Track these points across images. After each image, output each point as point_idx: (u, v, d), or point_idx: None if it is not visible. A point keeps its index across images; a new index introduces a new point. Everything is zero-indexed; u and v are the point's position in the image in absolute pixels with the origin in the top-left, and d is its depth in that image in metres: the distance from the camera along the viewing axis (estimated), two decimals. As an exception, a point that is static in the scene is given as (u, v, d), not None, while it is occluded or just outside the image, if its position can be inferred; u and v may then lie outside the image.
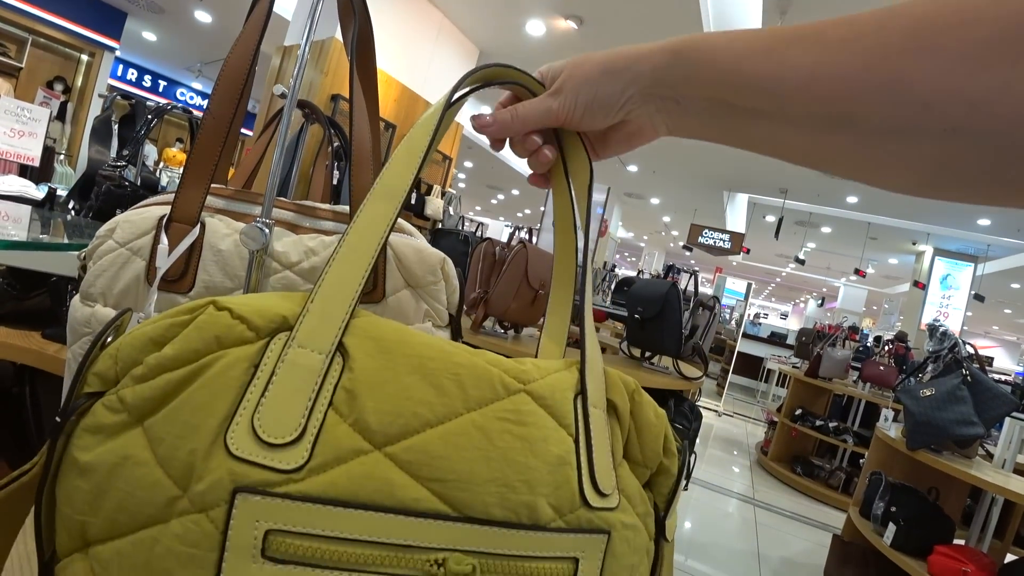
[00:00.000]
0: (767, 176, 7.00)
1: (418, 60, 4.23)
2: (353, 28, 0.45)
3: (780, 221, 7.79)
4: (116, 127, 1.18)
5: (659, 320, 2.15)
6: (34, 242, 0.52)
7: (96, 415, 0.23)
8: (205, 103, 1.07)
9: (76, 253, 0.48)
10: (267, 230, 0.40)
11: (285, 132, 0.41)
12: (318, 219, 0.46)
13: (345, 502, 0.21)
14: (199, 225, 0.41)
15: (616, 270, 6.26)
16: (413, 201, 3.53)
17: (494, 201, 13.73)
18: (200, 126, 0.41)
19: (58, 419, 0.22)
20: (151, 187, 0.99)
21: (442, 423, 0.24)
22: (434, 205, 3.52)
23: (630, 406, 0.31)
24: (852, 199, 7.39)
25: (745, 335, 8.02)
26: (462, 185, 9.17)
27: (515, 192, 11.49)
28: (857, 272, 9.12)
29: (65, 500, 0.22)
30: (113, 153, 1.08)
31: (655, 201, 10.25)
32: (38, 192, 2.99)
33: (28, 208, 1.19)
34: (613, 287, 2.93)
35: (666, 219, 11.80)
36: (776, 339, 9.62)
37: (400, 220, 0.50)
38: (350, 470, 0.22)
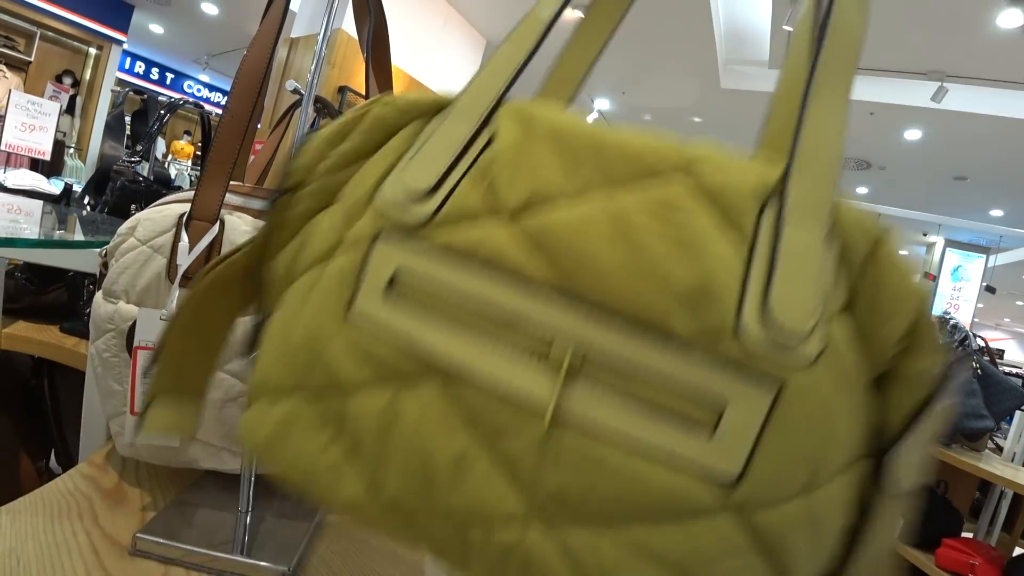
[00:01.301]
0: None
1: (425, 50, 4.21)
2: (369, 26, 0.46)
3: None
4: (128, 122, 1.19)
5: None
6: (60, 240, 0.53)
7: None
8: (213, 95, 1.08)
9: (97, 250, 0.49)
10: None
11: (303, 129, 0.41)
12: (334, 216, 0.47)
13: (462, 257, 0.22)
14: (218, 222, 0.42)
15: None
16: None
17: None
18: (219, 124, 0.42)
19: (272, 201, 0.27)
20: (164, 181, 1.00)
21: (573, 203, 0.22)
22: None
23: (867, 252, 0.21)
24: (862, 190, 7.33)
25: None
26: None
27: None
28: (866, 264, 9.02)
29: (279, 261, 0.27)
30: (124, 148, 1.08)
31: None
32: (50, 186, 3.02)
33: (40, 203, 1.20)
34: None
35: (673, 211, 11.74)
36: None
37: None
38: (471, 230, 0.23)
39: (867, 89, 4.54)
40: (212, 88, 8.70)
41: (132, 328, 0.42)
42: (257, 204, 0.46)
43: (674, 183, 0.22)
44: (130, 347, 0.42)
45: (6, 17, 5.89)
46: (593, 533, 0.20)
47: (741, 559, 0.19)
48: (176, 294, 0.41)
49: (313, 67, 0.42)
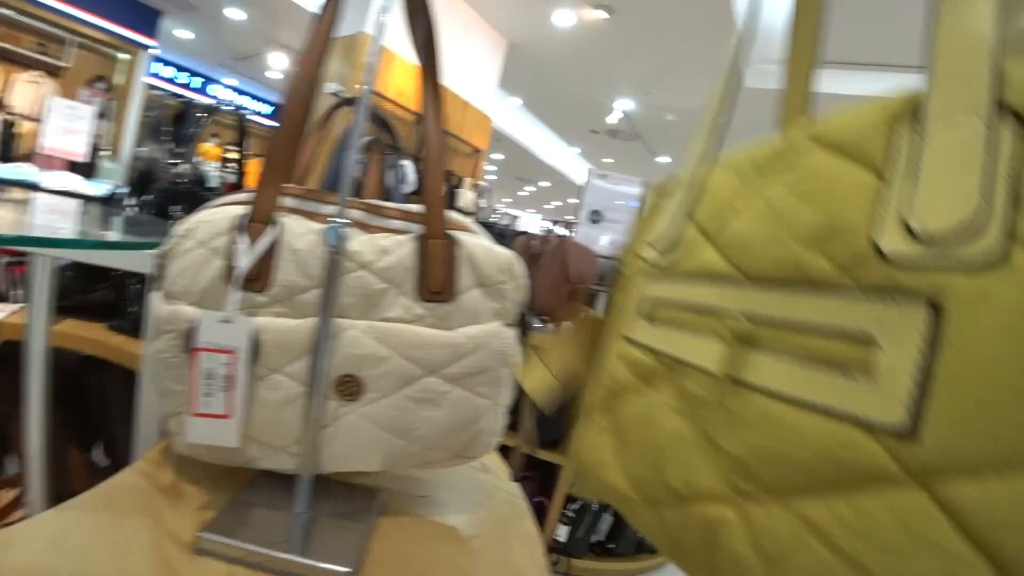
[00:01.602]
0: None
1: (447, 53, 4.23)
2: (421, 28, 0.45)
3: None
4: (153, 124, 1.21)
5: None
6: (121, 242, 0.54)
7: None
8: (239, 98, 1.10)
9: (151, 252, 0.50)
10: (346, 230, 0.40)
11: (357, 134, 0.41)
12: (387, 218, 0.47)
13: (692, 277, 0.29)
14: (276, 224, 0.42)
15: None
16: (444, 192, 3.55)
17: (523, 193, 13.68)
18: (276, 128, 0.42)
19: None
20: (200, 182, 1.02)
21: (743, 211, 0.27)
22: (466, 197, 3.54)
23: None
24: None
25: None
26: (492, 177, 9.20)
27: (545, 184, 11.44)
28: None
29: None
30: (165, 150, 1.10)
31: (685, 192, 10.06)
32: (88, 187, 3.10)
33: (76, 203, 1.23)
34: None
35: (696, 210, 11.58)
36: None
37: (462, 218, 0.50)
38: (695, 257, 0.29)
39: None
40: (238, 91, 8.85)
41: (192, 330, 0.42)
42: (310, 207, 0.46)
43: (800, 153, 0.24)
44: (190, 349, 0.42)
45: (43, 25, 6.07)
46: (769, 506, 0.20)
47: (941, 556, 0.14)
48: (236, 297, 0.41)
49: (366, 74, 0.42)
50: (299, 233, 0.43)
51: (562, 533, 1.92)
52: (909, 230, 0.17)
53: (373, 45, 0.44)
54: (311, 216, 0.45)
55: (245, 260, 0.40)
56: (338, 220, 0.40)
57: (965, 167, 0.16)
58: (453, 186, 3.76)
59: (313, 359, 0.43)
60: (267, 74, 8.08)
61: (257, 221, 0.42)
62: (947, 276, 0.16)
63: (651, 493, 0.27)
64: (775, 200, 0.24)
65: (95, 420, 1.14)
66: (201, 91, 8.69)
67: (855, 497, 0.17)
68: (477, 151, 4.55)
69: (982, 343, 0.14)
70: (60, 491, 1.13)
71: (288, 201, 0.46)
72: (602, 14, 4.40)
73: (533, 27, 4.80)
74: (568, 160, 9.53)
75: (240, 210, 0.43)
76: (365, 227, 0.46)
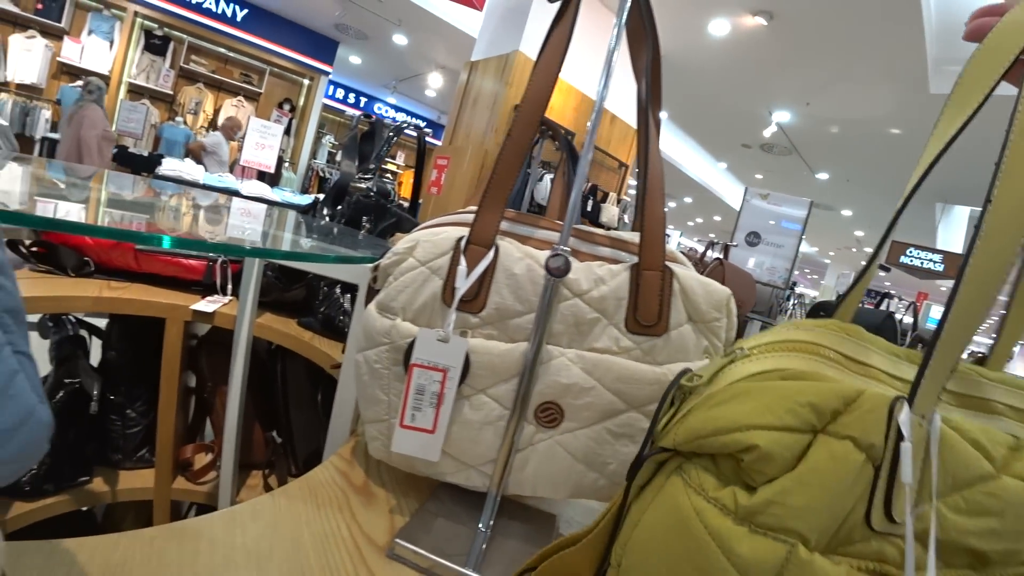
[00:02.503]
0: (1003, 185, 5.78)
1: (597, 67, 4.24)
2: (647, 52, 0.44)
3: (1017, 240, 6.38)
4: (348, 142, 1.34)
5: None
6: (344, 256, 0.59)
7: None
8: (398, 115, 1.18)
9: (368, 265, 0.53)
10: (571, 259, 0.40)
11: (582, 175, 0.41)
12: (596, 245, 0.46)
13: None
14: (493, 248, 0.43)
15: (796, 288, 5.65)
16: (589, 208, 3.54)
17: (665, 209, 13.23)
18: (500, 150, 0.42)
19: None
20: (385, 195, 1.10)
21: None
22: (609, 212, 3.50)
23: None
24: None
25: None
26: (633, 192, 9.08)
27: (687, 200, 11.01)
28: None
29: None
30: (356, 166, 1.21)
31: (847, 213, 9.08)
32: (273, 194, 3.56)
33: (264, 207, 1.40)
34: (808, 311, 2.62)
35: (859, 234, 10.40)
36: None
37: (672, 249, 0.47)
38: None
39: None
40: (398, 109, 9.71)
41: (410, 346, 0.44)
42: (523, 230, 0.46)
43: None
44: (406, 363, 0.44)
45: (247, 59, 7.21)
46: None
47: None
48: (453, 317, 0.42)
49: (593, 118, 0.41)
50: (517, 257, 0.43)
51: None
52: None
53: (597, 106, 0.43)
54: (523, 240, 0.45)
55: (465, 282, 0.41)
56: (560, 248, 0.39)
57: None
58: (598, 201, 3.75)
59: (519, 383, 0.42)
60: (426, 92, 8.74)
61: (476, 244, 0.43)
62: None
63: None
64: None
65: (276, 403, 1.28)
66: (366, 109, 9.65)
67: None
68: (623, 165, 4.48)
69: None
70: (244, 460, 1.29)
71: (502, 224, 0.47)
72: (761, 21, 4.13)
73: (686, 37, 4.64)
74: (714, 175, 9.07)
75: (459, 232, 0.45)
76: (576, 253, 0.45)
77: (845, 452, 0.24)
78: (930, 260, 7.03)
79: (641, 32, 0.44)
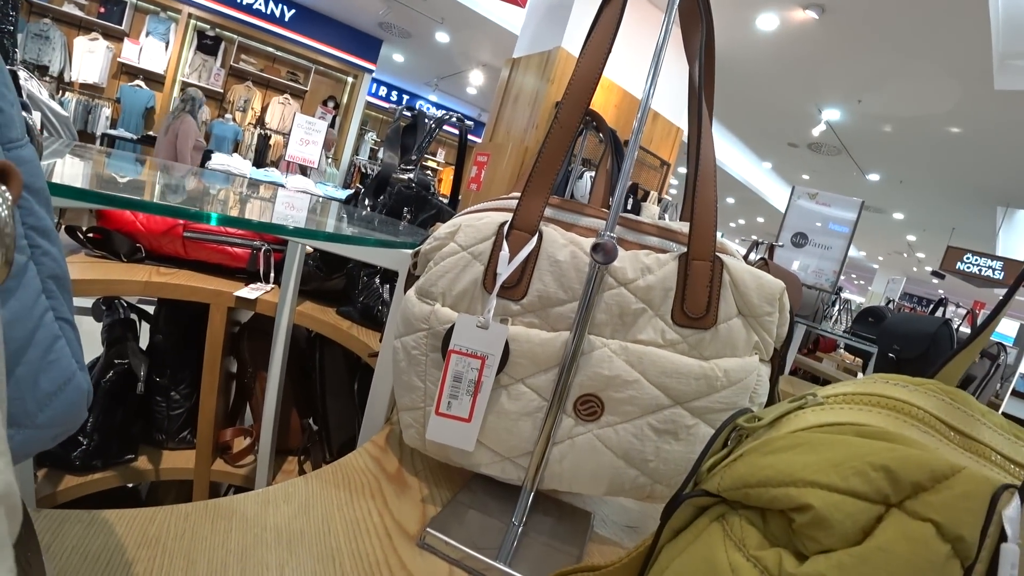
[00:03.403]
0: (1073, 189, 5.42)
1: (642, 64, 4.16)
2: (701, 33, 0.42)
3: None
4: (391, 135, 1.35)
5: (921, 363, 1.80)
6: (385, 240, 0.59)
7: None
8: (439, 112, 1.18)
9: (409, 251, 0.53)
10: (617, 247, 0.38)
11: (631, 159, 0.39)
12: (643, 234, 0.44)
13: None
14: (537, 234, 0.42)
15: (842, 293, 5.43)
16: (629, 207, 3.49)
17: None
18: (546, 136, 0.41)
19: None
20: (425, 187, 1.10)
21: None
22: (650, 212, 3.44)
23: None
24: None
25: (1016, 393, 6.32)
26: (674, 192, 8.90)
27: (730, 200, 10.75)
28: None
29: None
30: (399, 158, 1.21)
31: (899, 216, 8.69)
32: (316, 188, 3.64)
33: (308, 199, 1.43)
34: (855, 316, 2.52)
35: (911, 238, 9.94)
36: (1063, 400, 7.42)
37: (723, 239, 0.45)
38: None
39: None
40: (439, 106, 9.81)
41: (449, 331, 0.43)
42: (568, 217, 0.45)
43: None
44: (444, 349, 0.44)
45: (294, 57, 7.42)
46: None
47: None
48: (494, 304, 0.41)
49: (639, 116, 0.39)
50: (561, 244, 0.42)
51: None
52: None
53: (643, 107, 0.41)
54: (568, 227, 0.44)
55: (507, 267, 0.40)
56: (606, 235, 0.38)
57: None
58: (638, 200, 3.68)
59: (559, 374, 0.41)
60: (467, 90, 8.80)
61: (520, 229, 0.41)
62: None
63: None
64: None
65: (314, 391, 1.30)
66: (408, 106, 9.79)
67: None
68: (665, 164, 4.39)
69: None
70: (280, 446, 1.32)
71: (546, 211, 0.46)
72: (812, 14, 3.98)
73: (733, 33, 4.51)
74: (757, 175, 8.81)
75: (502, 217, 0.43)
76: (622, 242, 0.43)
77: (925, 537, 0.19)
78: (989, 267, 6.65)
79: (695, 12, 0.42)
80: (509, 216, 0.42)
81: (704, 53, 0.42)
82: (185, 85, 6.79)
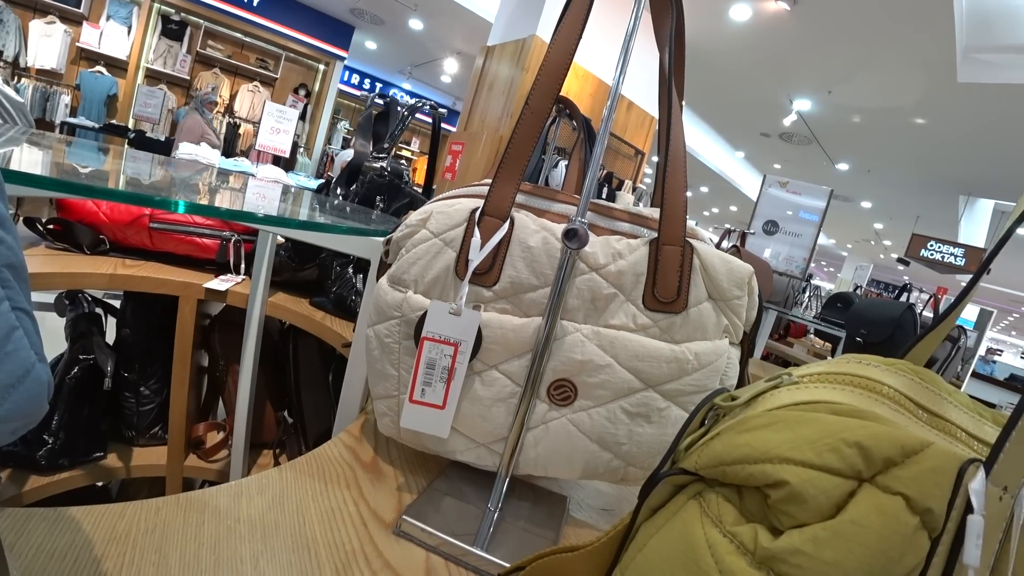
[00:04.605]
0: (1028, 178, 5.64)
1: (613, 53, 4.16)
2: (671, 20, 0.42)
3: (1043, 235, 6.23)
4: (362, 123, 1.33)
5: (887, 347, 1.85)
6: (357, 228, 0.58)
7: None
8: (412, 100, 1.16)
9: (381, 239, 0.52)
10: (588, 232, 0.38)
11: (601, 145, 0.39)
12: (614, 220, 0.44)
13: None
14: (509, 220, 0.42)
15: (812, 279, 5.57)
16: (603, 195, 3.51)
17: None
18: (517, 122, 0.41)
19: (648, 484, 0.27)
20: (398, 175, 1.09)
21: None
22: (625, 200, 3.47)
23: None
24: None
25: (975, 375, 6.58)
26: (649, 181, 8.99)
27: (703, 189, 10.88)
28: None
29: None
30: (371, 146, 1.19)
31: (866, 205, 8.92)
32: (288, 179, 3.58)
33: (279, 189, 1.41)
34: (824, 302, 2.58)
35: (878, 226, 10.21)
36: (1017, 383, 7.77)
37: (693, 225, 0.45)
38: None
39: None
40: (412, 95, 9.67)
41: (421, 319, 0.43)
42: (540, 203, 0.45)
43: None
44: (417, 336, 0.43)
45: (263, 44, 7.22)
46: None
47: None
48: (466, 290, 0.41)
49: (609, 104, 0.39)
50: (533, 230, 0.42)
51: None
52: None
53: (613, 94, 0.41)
54: (540, 213, 0.44)
55: (479, 254, 0.40)
56: (577, 220, 0.38)
57: None
58: (613, 189, 3.70)
59: (532, 359, 0.41)
60: (442, 78, 8.69)
61: (491, 215, 0.41)
62: None
63: None
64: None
65: (288, 383, 1.28)
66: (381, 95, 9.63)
67: None
68: (639, 153, 4.41)
69: None
70: (255, 440, 1.30)
71: (518, 197, 0.46)
72: (784, 5, 4.03)
73: (706, 23, 4.55)
74: (730, 164, 8.93)
75: (474, 203, 0.43)
76: (594, 228, 0.43)
77: (896, 510, 0.20)
78: (951, 254, 6.88)
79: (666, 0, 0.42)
80: (481, 202, 0.42)
81: (674, 40, 0.42)
82: (150, 72, 6.57)
